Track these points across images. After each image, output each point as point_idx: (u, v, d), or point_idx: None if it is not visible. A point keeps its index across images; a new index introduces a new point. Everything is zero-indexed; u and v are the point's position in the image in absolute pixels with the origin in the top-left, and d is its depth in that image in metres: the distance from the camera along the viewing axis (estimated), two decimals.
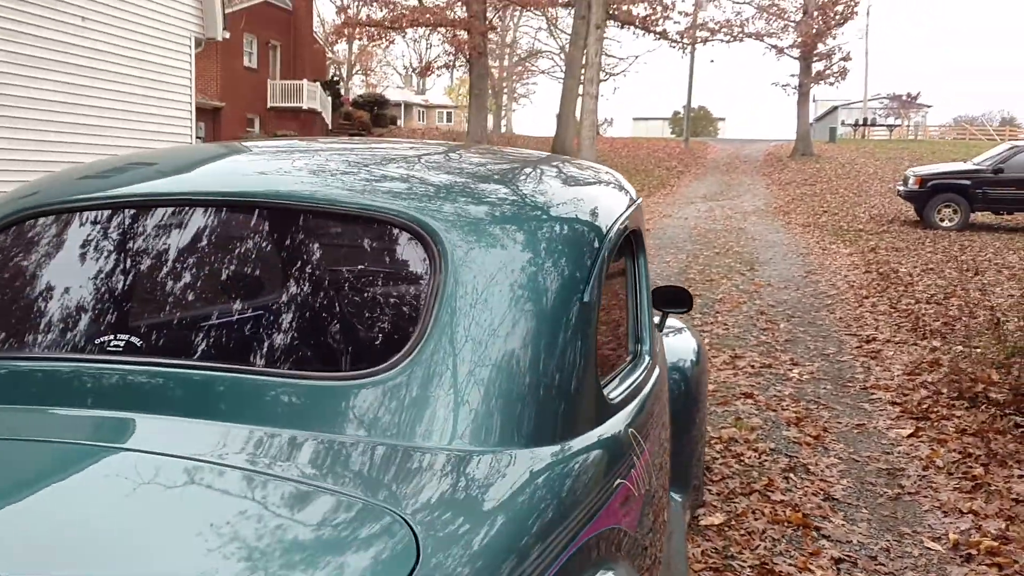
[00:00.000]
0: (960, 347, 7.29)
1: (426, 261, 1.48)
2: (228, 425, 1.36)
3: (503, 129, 59.08)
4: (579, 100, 26.84)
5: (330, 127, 36.49)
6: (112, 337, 1.55)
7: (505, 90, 62.25)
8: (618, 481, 1.57)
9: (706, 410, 3.99)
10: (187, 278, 1.62)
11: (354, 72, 61.63)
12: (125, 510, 1.15)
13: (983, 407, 5.52)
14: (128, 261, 1.64)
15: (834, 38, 35.38)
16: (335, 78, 41.48)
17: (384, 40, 31.21)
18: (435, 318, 1.41)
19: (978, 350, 6.94)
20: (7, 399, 1.48)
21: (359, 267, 1.62)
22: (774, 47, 35.45)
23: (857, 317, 8.98)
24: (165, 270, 1.62)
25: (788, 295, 10.19)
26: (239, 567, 1.03)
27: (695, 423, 3.57)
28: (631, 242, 2.04)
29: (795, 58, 35.92)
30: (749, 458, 4.77)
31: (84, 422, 1.43)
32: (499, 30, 33.29)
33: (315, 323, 1.53)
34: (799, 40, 34.74)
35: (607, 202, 1.84)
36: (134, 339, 1.54)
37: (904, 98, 57.23)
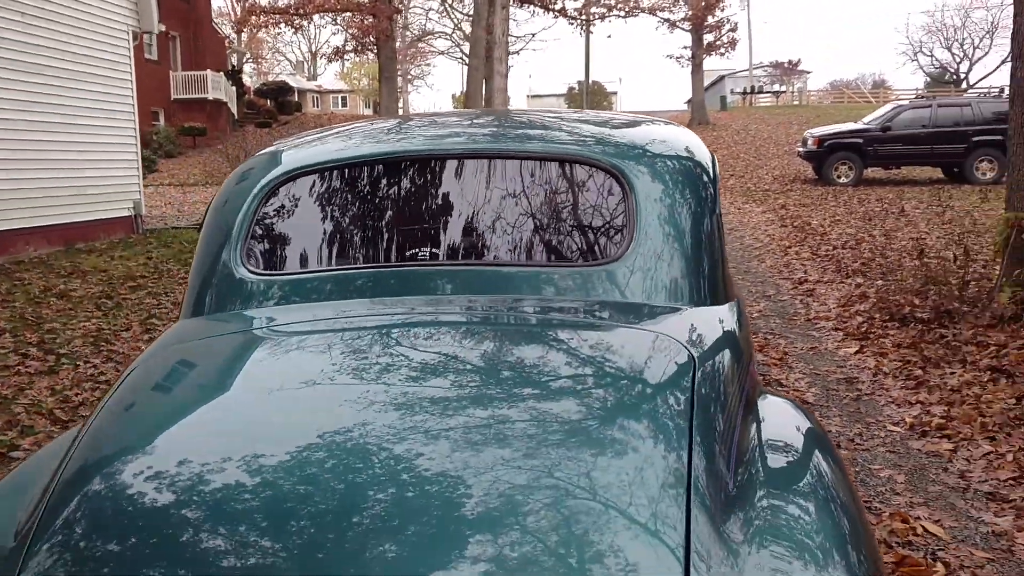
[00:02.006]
0: (881, 281, 8.37)
1: (621, 191, 2.20)
2: (523, 296, 2.07)
3: (400, 112, 59.04)
4: (483, 80, 27.42)
5: (236, 117, 36.13)
6: (418, 250, 2.22)
7: (399, 72, 62.30)
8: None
9: None
10: (464, 208, 2.27)
11: (244, 60, 60.51)
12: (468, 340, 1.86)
13: (912, 325, 6.54)
14: (414, 199, 2.29)
15: (722, 10, 36.96)
16: (236, 67, 40.91)
17: (290, 27, 31.12)
18: (634, 228, 2.14)
19: (897, 282, 8.02)
20: (360, 294, 2.14)
21: (580, 194, 2.31)
22: (667, 21, 36.82)
23: (786, 264, 10.04)
24: (457, 203, 2.28)
25: None
26: (565, 369, 1.73)
27: None
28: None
29: (687, 31, 37.41)
30: None
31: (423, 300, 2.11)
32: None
33: (562, 233, 2.23)
34: (690, 13, 36.19)
35: (703, 146, 2.58)
36: (435, 249, 2.22)
37: (786, 65, 59.87)
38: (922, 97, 24.60)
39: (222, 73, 34.69)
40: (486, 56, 27.24)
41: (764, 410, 1.96)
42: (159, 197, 20.37)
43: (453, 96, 72.38)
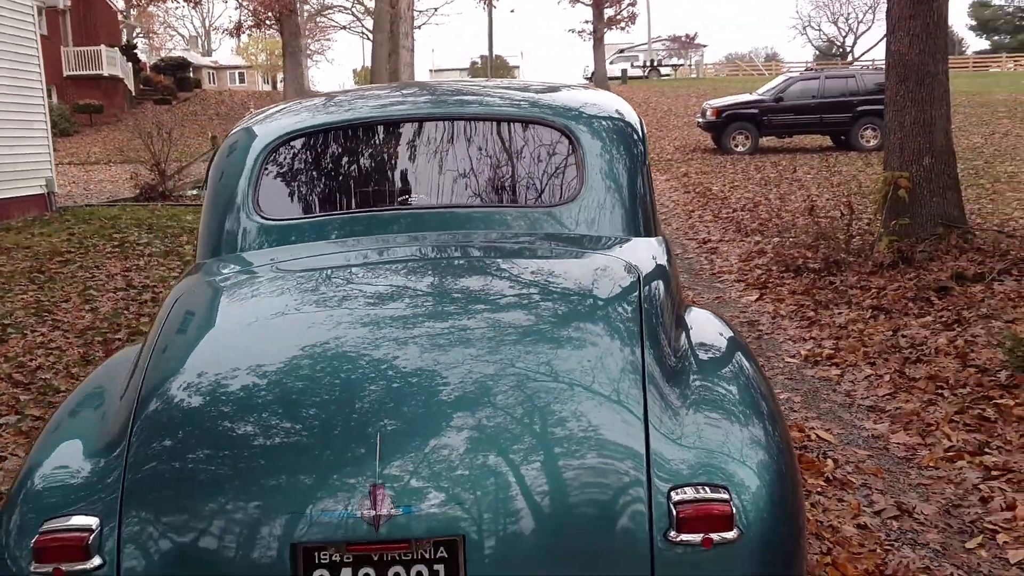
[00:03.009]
0: (777, 238, 9.14)
1: (570, 146, 2.69)
2: (502, 230, 2.54)
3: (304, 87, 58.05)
4: (388, 55, 27.44)
5: (133, 94, 35.12)
6: (400, 198, 2.66)
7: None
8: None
9: None
10: (439, 163, 2.71)
11: (136, 35, 58.46)
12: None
13: (805, 275, 7.27)
14: (398, 155, 2.72)
15: None
16: (132, 42, 39.65)
17: (188, 2, 30.44)
18: (584, 176, 2.63)
19: (792, 239, 8.78)
20: (354, 232, 2.57)
21: (539, 150, 2.77)
22: None
23: (691, 226, 10.76)
24: (430, 158, 2.71)
25: None
26: (539, 283, 2.21)
27: None
28: None
29: (588, 5, 38.11)
30: None
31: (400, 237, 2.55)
32: None
33: (525, 181, 2.70)
34: None
35: (631, 109, 3.08)
36: (416, 196, 2.66)
37: (683, 39, 61.36)
38: (811, 69, 25.83)
39: (117, 48, 33.66)
40: (390, 31, 27.29)
41: (691, 318, 2.48)
42: (61, 176, 19.87)
43: (354, 71, 71.48)
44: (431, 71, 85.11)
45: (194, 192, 15.06)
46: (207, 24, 76.18)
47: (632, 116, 2.91)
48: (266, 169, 2.72)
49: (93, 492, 1.80)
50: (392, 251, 2.52)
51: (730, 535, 1.71)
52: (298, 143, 2.78)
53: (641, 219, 2.67)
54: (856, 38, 63.65)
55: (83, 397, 2.24)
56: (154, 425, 1.87)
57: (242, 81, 67.40)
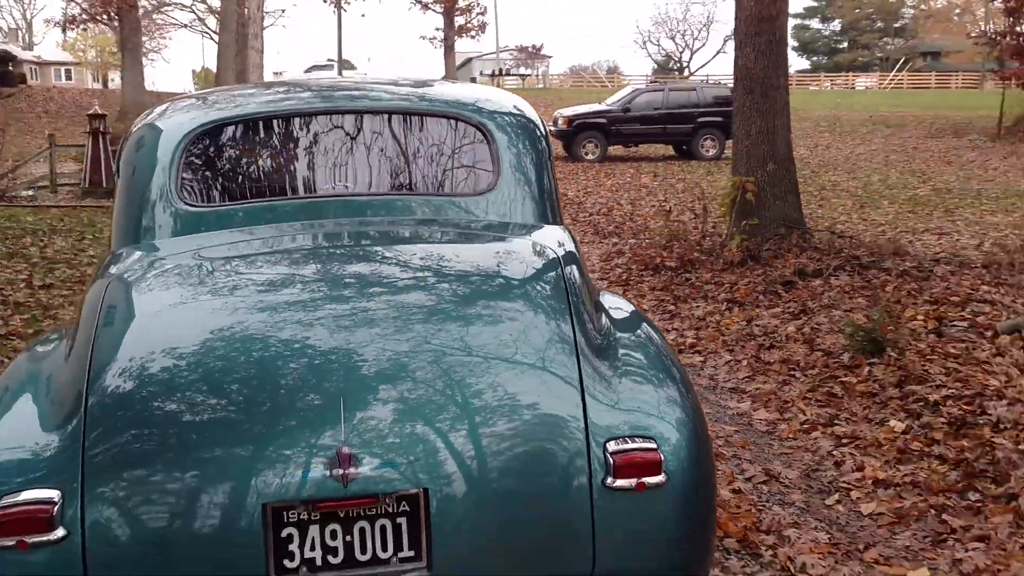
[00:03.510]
0: (633, 240, 9.64)
1: (484, 140, 2.88)
2: (424, 217, 2.70)
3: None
4: (234, 55, 26.72)
5: None
6: (328, 186, 2.76)
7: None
8: None
9: None
10: (362, 154, 2.82)
11: None
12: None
13: (663, 272, 7.74)
14: (315, 146, 2.81)
15: None
16: None
17: None
18: (498, 168, 2.83)
19: (647, 240, 9.29)
20: (284, 219, 2.65)
21: (457, 143, 2.93)
22: (419, 2, 37.60)
23: None
24: (346, 150, 2.82)
25: None
26: (468, 265, 2.39)
27: None
28: None
29: (439, 12, 38.39)
30: None
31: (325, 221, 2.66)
32: None
33: (448, 172, 2.85)
34: None
35: (530, 106, 3.30)
36: (344, 185, 2.76)
37: (530, 49, 62.73)
38: (655, 82, 27.09)
39: None
40: (237, 31, 26.57)
41: (604, 299, 2.72)
42: None
43: (194, 72, 68.72)
44: (274, 73, 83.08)
45: (29, 193, 14.19)
46: (29, 16, 71.40)
47: (535, 115, 3.13)
48: (186, 158, 2.76)
49: (51, 466, 1.84)
50: (328, 235, 2.63)
51: (658, 479, 1.94)
52: (220, 133, 2.82)
53: (549, 209, 2.89)
54: (692, 53, 67.02)
55: (13, 383, 2.23)
56: (110, 399, 1.91)
57: (69, 78, 63.51)
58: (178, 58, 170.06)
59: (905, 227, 10.33)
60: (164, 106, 3.06)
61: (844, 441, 4.02)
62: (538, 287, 2.29)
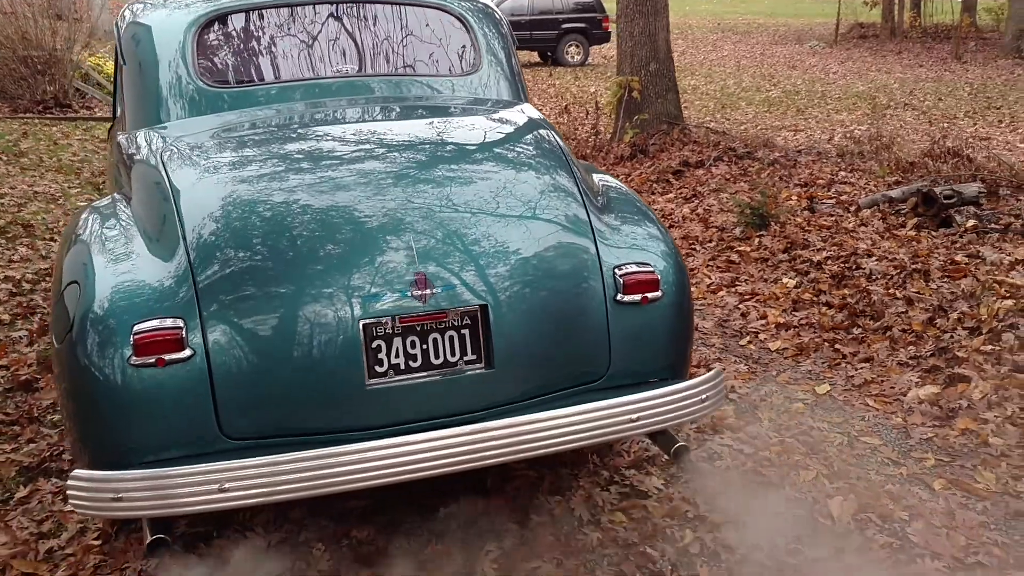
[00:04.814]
0: None
1: (464, 28, 3.24)
2: (425, 94, 3.05)
3: None
4: None
5: None
6: (336, 67, 3.05)
7: None
8: None
9: None
10: (359, 38, 3.11)
11: None
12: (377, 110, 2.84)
13: None
14: (317, 32, 3.08)
15: None
16: None
17: None
18: (479, 52, 3.21)
19: None
20: (294, 98, 2.94)
21: (444, 30, 3.25)
22: None
23: None
24: (346, 35, 3.09)
25: None
26: (477, 133, 2.80)
27: None
28: None
29: None
30: None
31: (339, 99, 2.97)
32: None
33: (441, 55, 3.19)
34: None
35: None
36: (354, 66, 3.06)
37: None
38: None
39: None
40: None
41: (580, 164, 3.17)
42: None
43: None
44: None
45: None
46: None
47: (495, 7, 3.51)
48: (201, 42, 2.98)
49: (171, 297, 2.16)
50: (352, 108, 2.95)
51: (657, 294, 2.45)
52: (227, 22, 3.05)
53: (521, 88, 3.30)
54: None
55: (97, 238, 2.46)
56: (210, 236, 2.24)
57: None
58: None
59: (764, 125, 11.23)
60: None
61: (746, 297, 4.70)
62: (545, 149, 2.72)
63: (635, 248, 2.54)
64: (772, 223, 5.61)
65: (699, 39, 26.59)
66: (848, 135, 9.76)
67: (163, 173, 2.47)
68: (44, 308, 4.63)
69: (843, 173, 7.23)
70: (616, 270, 2.44)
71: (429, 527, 2.64)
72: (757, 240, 5.46)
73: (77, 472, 2.05)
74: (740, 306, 4.60)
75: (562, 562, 2.51)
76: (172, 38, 2.96)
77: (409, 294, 2.20)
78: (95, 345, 2.11)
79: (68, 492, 2.05)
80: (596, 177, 3.02)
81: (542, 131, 2.84)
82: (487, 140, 2.80)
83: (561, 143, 2.78)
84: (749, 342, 4.16)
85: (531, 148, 2.76)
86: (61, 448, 3.23)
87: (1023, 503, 2.78)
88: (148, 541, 2.09)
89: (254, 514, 2.70)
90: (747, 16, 33.58)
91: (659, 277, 2.47)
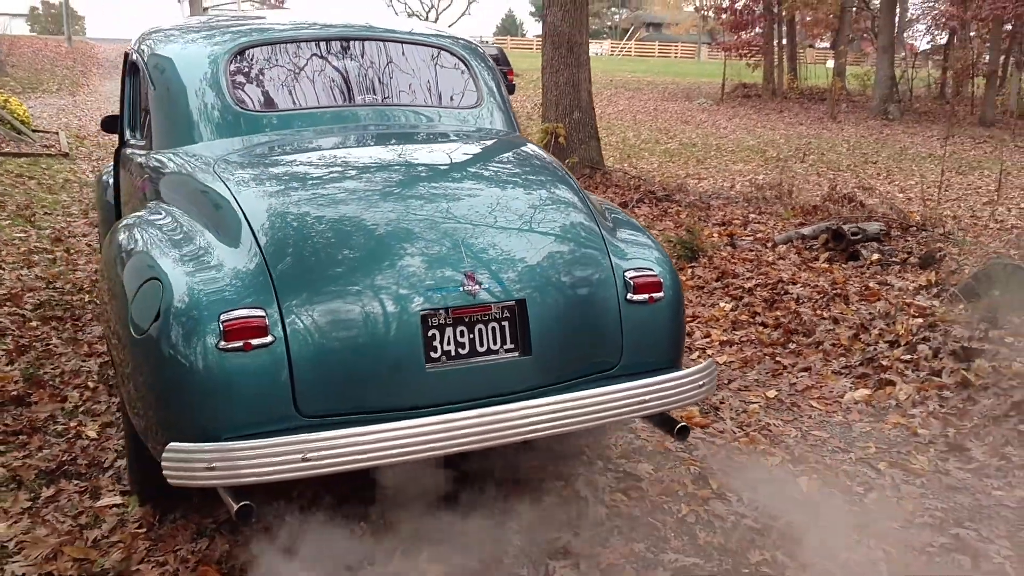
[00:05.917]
0: None
1: (464, 65, 3.61)
2: (438, 125, 3.40)
3: None
4: None
5: None
6: (358, 97, 3.35)
7: None
8: None
9: None
10: (382, 73, 3.42)
11: None
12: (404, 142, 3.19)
13: None
14: (338, 65, 3.38)
15: None
16: None
17: None
18: (479, 88, 3.59)
19: None
20: (322, 124, 3.23)
21: (449, 68, 3.60)
22: None
23: None
24: (374, 70, 3.41)
25: None
26: (489, 164, 3.18)
27: None
28: None
29: None
30: None
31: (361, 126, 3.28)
32: None
33: (436, 89, 3.53)
34: None
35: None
36: (370, 97, 3.37)
37: (272, 2, 60.71)
38: None
39: None
40: None
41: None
42: None
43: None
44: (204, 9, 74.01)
45: None
46: None
47: (476, 44, 3.91)
48: (233, 70, 3.24)
49: (252, 289, 2.40)
50: (386, 132, 3.26)
51: (660, 295, 2.85)
52: (257, 52, 3.34)
53: (514, 120, 3.69)
54: (439, 13, 68.11)
55: (151, 243, 2.68)
56: (280, 236, 2.51)
57: None
58: None
59: (669, 173, 11.98)
60: (178, 29, 3.50)
61: (689, 320, 5.16)
62: (558, 175, 3.10)
63: (639, 257, 2.93)
64: (701, 256, 6.14)
65: (596, 93, 27.72)
66: (751, 182, 10.57)
67: (221, 182, 2.72)
68: (13, 330, 4.67)
69: (753, 215, 7.90)
70: (626, 274, 2.82)
71: (451, 511, 2.91)
72: (690, 271, 5.97)
73: (173, 444, 2.25)
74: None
75: (579, 533, 2.83)
76: (204, 65, 3.21)
77: (461, 288, 2.52)
78: (184, 333, 2.33)
79: (163, 463, 2.25)
80: (595, 199, 3.42)
81: (547, 159, 3.23)
82: (511, 165, 3.17)
83: (567, 170, 3.18)
84: (699, 357, 4.60)
85: (545, 174, 3.13)
86: (74, 454, 3.35)
87: (953, 479, 3.27)
88: (235, 509, 2.30)
89: (291, 499, 2.91)
90: (636, 74, 35.20)
91: (661, 280, 2.87)
